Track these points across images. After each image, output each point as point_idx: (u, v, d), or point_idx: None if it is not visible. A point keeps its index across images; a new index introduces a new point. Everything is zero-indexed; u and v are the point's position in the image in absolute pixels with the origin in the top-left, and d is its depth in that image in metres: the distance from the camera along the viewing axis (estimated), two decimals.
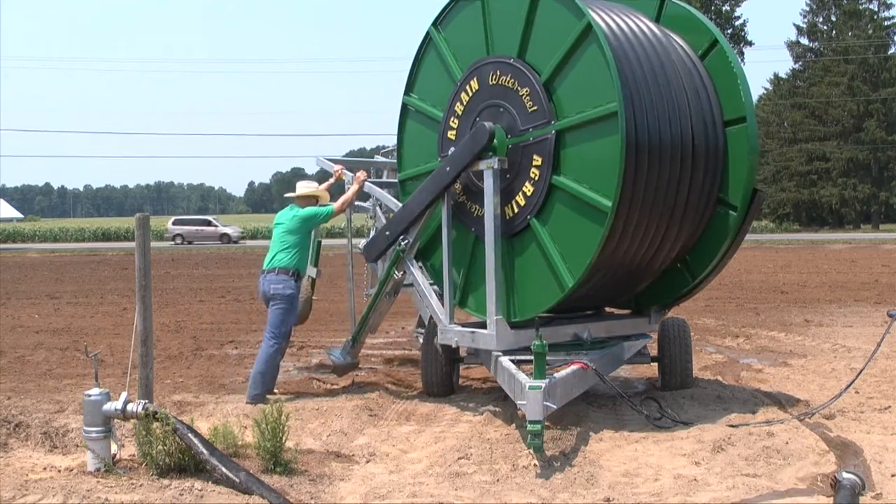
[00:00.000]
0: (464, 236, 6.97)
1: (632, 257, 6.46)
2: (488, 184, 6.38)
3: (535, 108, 6.34)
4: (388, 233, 7.36)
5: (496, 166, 6.35)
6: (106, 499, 4.58)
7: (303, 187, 7.98)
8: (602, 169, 5.89)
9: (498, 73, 6.64)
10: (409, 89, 7.60)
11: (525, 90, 6.40)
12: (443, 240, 6.88)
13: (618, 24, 6.42)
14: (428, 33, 7.34)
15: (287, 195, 8.06)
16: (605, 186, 5.85)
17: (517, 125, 6.47)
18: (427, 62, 7.43)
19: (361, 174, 8.09)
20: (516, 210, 6.50)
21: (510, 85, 6.54)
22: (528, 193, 6.39)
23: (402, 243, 7.21)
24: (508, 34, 6.59)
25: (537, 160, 6.31)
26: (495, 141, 6.52)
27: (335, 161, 8.67)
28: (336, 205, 7.78)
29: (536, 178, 6.34)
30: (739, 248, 6.84)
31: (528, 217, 6.40)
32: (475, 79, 6.84)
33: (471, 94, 6.89)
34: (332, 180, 8.40)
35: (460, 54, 7.07)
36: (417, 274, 7.23)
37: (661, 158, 6.15)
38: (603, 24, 6.25)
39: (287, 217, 7.69)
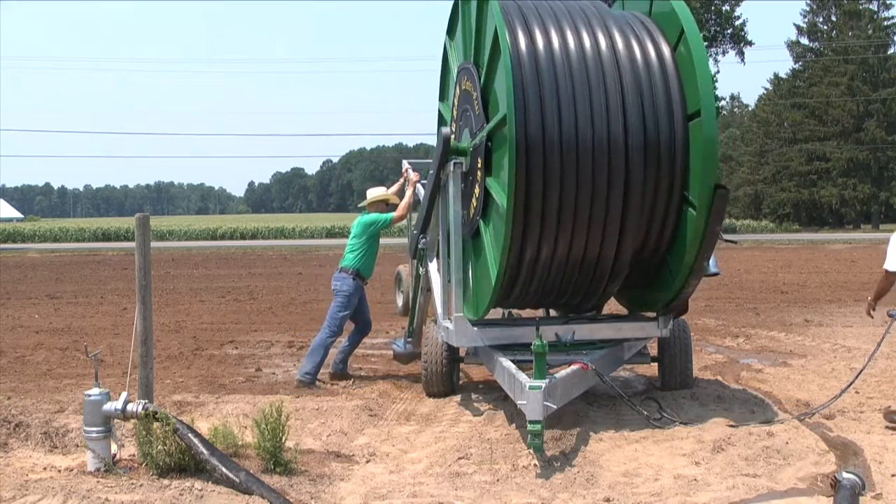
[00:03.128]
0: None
1: (567, 257, 6.32)
2: (448, 186, 6.55)
3: (479, 112, 6.44)
4: (415, 231, 7.76)
5: (451, 169, 6.52)
6: (106, 499, 4.58)
7: (370, 194, 8.44)
8: (505, 170, 5.90)
9: (465, 78, 6.81)
10: (441, 96, 7.93)
11: (475, 94, 6.51)
12: (438, 239, 7.10)
13: (542, 29, 6.28)
14: (444, 42, 7.63)
15: (360, 205, 8.56)
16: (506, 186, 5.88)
17: (473, 129, 6.59)
18: (448, 70, 7.72)
19: (414, 176, 8.37)
20: (472, 212, 6.63)
21: (469, 89, 6.66)
22: (477, 195, 6.52)
23: (422, 241, 7.61)
24: (470, 41, 6.73)
25: (480, 163, 6.41)
26: (462, 145, 6.69)
27: (412, 162, 8.89)
28: (396, 213, 8.18)
29: (479, 180, 6.43)
30: (735, 248, 6.80)
31: (478, 218, 6.51)
32: (457, 84, 7.02)
33: (456, 98, 7.05)
34: (401, 180, 8.72)
35: (460, 61, 7.25)
36: (432, 272, 7.49)
37: (580, 159, 5.99)
38: (533, 29, 6.23)
39: (355, 223, 8.28)
